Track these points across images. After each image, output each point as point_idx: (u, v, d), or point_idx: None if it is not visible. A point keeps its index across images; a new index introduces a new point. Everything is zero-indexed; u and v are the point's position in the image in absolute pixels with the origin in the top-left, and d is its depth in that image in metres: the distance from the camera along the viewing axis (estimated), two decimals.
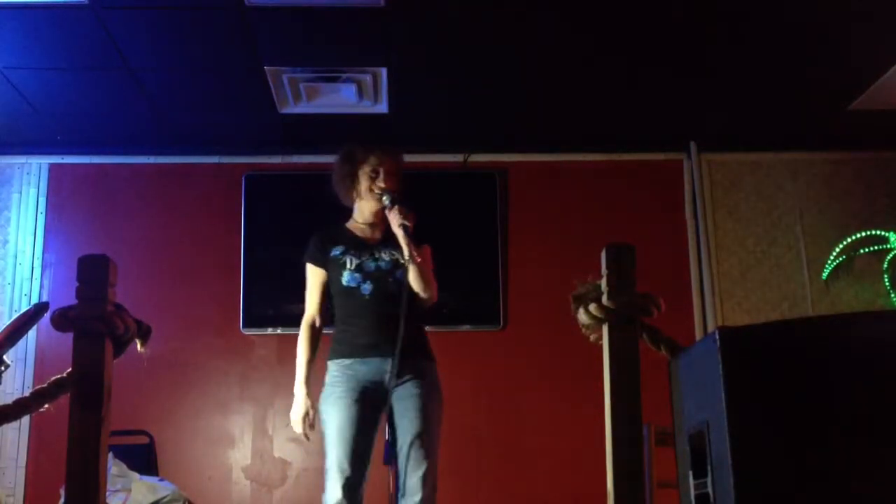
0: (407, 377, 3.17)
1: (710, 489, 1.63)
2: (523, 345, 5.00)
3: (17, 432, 4.79)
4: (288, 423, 4.86)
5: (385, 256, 3.27)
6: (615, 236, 2.09)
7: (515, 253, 5.12)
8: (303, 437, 3.28)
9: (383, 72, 4.39)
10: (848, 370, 1.57)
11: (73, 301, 1.93)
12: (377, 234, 3.35)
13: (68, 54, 4.14)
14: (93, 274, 1.93)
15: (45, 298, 4.92)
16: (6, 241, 5.06)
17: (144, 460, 4.60)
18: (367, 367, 3.16)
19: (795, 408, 1.55)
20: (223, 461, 4.88)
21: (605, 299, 1.93)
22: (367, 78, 4.45)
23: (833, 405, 1.56)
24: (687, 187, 5.23)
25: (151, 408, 4.84)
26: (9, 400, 2.11)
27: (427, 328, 3.38)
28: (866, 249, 5.07)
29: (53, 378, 2.02)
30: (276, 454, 4.90)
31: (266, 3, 3.74)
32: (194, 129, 4.99)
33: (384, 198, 3.27)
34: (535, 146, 5.23)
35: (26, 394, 2.07)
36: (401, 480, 3.13)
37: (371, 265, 3.26)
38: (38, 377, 4.78)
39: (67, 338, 1.93)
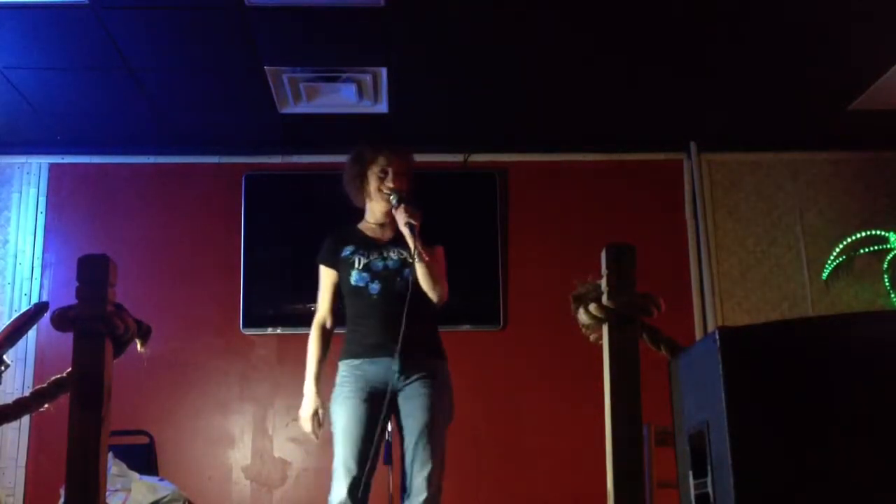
0: (415, 377, 3.17)
1: (710, 489, 1.63)
2: (523, 345, 5.00)
3: (17, 432, 4.79)
4: (288, 423, 4.92)
5: (393, 255, 3.27)
6: (615, 236, 2.08)
7: (515, 253, 5.12)
8: (311, 436, 3.26)
9: (383, 72, 4.39)
10: (848, 370, 1.57)
11: (73, 301, 1.93)
12: (388, 234, 3.35)
13: (68, 54, 4.14)
14: (93, 274, 1.93)
15: (45, 298, 4.92)
16: (6, 241, 5.06)
17: (144, 460, 4.60)
18: (375, 367, 3.17)
19: (795, 408, 1.55)
20: (223, 461, 4.88)
21: (605, 299, 1.93)
22: (367, 78, 4.45)
23: (833, 405, 1.56)
24: (687, 187, 5.23)
25: (151, 408, 4.84)
26: (9, 400, 2.11)
27: None
28: (866, 249, 5.07)
29: (53, 378, 2.02)
30: (276, 454, 4.90)
31: (266, 3, 3.74)
32: (194, 129, 5.00)
33: (391, 197, 3.28)
34: (535, 146, 5.23)
35: (26, 394, 2.07)
36: (406, 480, 3.14)
37: (379, 264, 3.27)
38: (38, 377, 4.78)
39: (67, 338, 1.93)
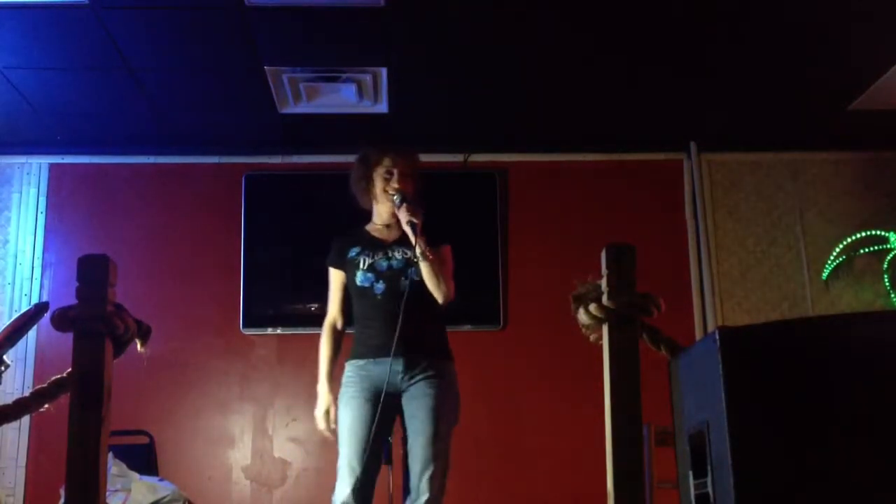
0: (420, 377, 3.17)
1: (710, 489, 1.63)
2: (523, 345, 5.00)
3: (17, 432, 4.79)
4: (288, 423, 4.93)
5: (398, 255, 3.28)
6: (615, 236, 2.08)
7: (515, 253, 5.12)
8: (326, 433, 3.26)
9: (383, 72, 4.39)
10: (848, 370, 1.57)
11: (73, 301, 1.93)
12: (393, 235, 3.36)
13: (68, 54, 4.14)
14: (93, 274, 1.93)
15: (45, 298, 4.92)
16: (6, 241, 5.06)
17: (144, 460, 4.60)
18: (380, 368, 3.17)
19: (795, 408, 1.55)
20: (223, 461, 4.89)
21: (605, 299, 1.93)
22: (367, 78, 4.45)
23: (833, 405, 1.55)
24: (687, 187, 5.23)
25: (151, 408, 4.84)
26: (9, 400, 2.11)
27: None
28: (866, 249, 5.07)
29: (53, 378, 2.02)
30: (276, 454, 4.90)
31: (266, 3, 3.74)
32: (194, 129, 5.00)
33: (395, 197, 3.29)
34: (535, 146, 5.23)
35: (26, 394, 2.07)
36: (410, 481, 3.14)
37: (383, 264, 3.27)
38: (38, 377, 4.78)
39: (67, 338, 1.93)
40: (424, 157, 5.01)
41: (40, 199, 5.12)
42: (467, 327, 4.93)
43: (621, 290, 1.92)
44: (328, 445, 4.75)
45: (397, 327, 3.11)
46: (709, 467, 1.64)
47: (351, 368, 3.24)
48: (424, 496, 3.07)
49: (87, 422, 1.87)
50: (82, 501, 1.84)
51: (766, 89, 4.58)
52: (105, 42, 4.01)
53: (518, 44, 4.12)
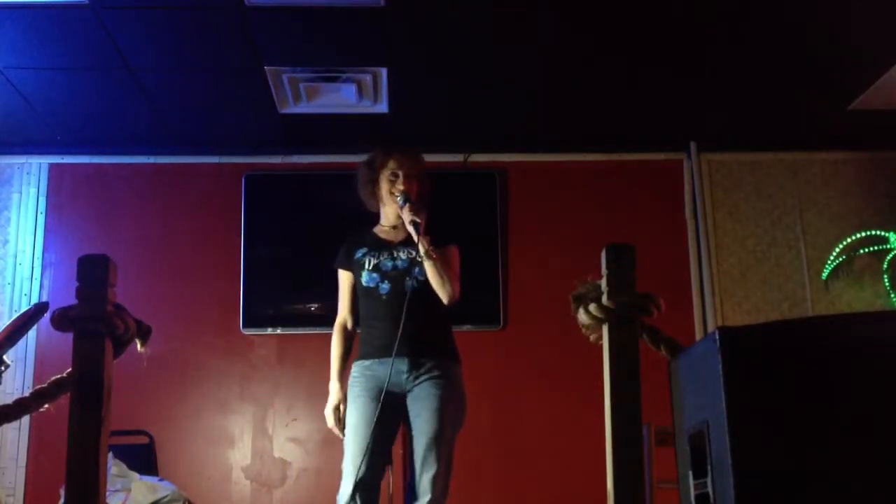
0: (424, 377, 3.17)
1: (710, 489, 1.63)
2: (523, 345, 5.00)
3: (17, 432, 4.79)
4: (288, 423, 4.92)
5: (403, 256, 3.29)
6: (615, 236, 2.09)
7: (515, 253, 5.12)
8: (336, 430, 3.26)
9: (383, 72, 4.39)
10: (848, 370, 1.57)
11: (73, 301, 1.93)
12: (400, 236, 3.37)
13: (68, 54, 4.14)
14: (93, 274, 1.93)
15: (45, 298, 4.92)
16: (6, 241, 5.06)
17: (144, 460, 4.60)
18: (385, 368, 3.17)
19: (795, 408, 1.55)
20: (223, 461, 4.89)
21: (605, 299, 1.93)
22: (367, 78, 4.45)
23: (833, 405, 1.56)
24: (687, 187, 5.23)
25: (151, 408, 4.84)
26: (9, 400, 2.11)
27: None
28: (866, 249, 5.06)
29: (53, 378, 2.02)
30: (276, 454, 4.90)
31: (266, 3, 3.74)
32: (194, 129, 5.00)
33: (398, 198, 3.30)
34: (535, 146, 5.23)
35: (26, 394, 2.07)
36: (413, 482, 3.14)
37: (388, 264, 3.28)
38: (38, 377, 4.78)
39: (67, 338, 1.93)
40: (424, 157, 5.05)
41: (40, 199, 5.12)
42: (467, 327, 4.92)
43: (621, 290, 1.92)
44: (328, 445, 4.77)
45: (407, 327, 3.12)
46: (709, 467, 1.64)
47: (357, 369, 3.25)
48: (427, 497, 3.07)
49: (87, 422, 1.87)
50: (82, 501, 1.85)
51: (766, 89, 4.59)
52: (105, 42, 4.01)
53: (518, 44, 4.12)
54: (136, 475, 4.25)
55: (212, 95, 4.61)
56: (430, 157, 5.06)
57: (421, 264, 3.21)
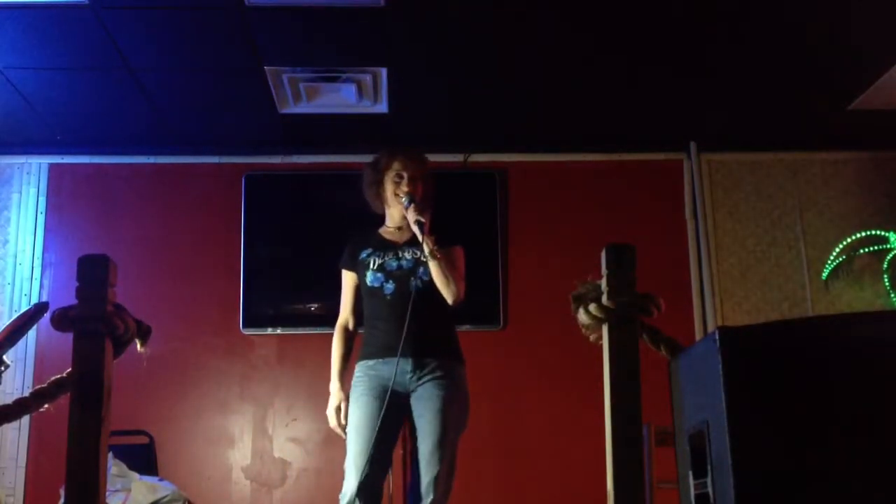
0: (428, 378, 3.17)
1: (710, 489, 1.63)
2: (523, 345, 5.00)
3: (17, 432, 4.79)
4: (288, 423, 4.92)
5: (408, 256, 3.29)
6: (615, 236, 2.09)
7: (515, 253, 5.12)
8: (338, 431, 3.26)
9: (383, 72, 4.39)
10: (848, 370, 1.57)
11: (73, 301, 1.93)
12: (405, 237, 3.37)
13: (68, 54, 4.14)
14: (93, 274, 1.93)
15: (45, 298, 4.92)
16: (6, 241, 5.06)
17: (144, 460, 4.60)
18: (388, 367, 3.17)
19: (795, 408, 1.55)
20: (223, 461, 4.89)
21: (605, 299, 1.93)
22: (367, 78, 4.45)
23: (833, 405, 1.56)
24: (687, 187, 5.23)
25: (151, 408, 4.84)
26: (9, 400, 2.11)
27: None
28: (866, 249, 5.06)
29: (53, 378, 2.02)
30: (276, 454, 4.90)
31: (266, 3, 3.74)
32: (194, 129, 5.00)
33: (403, 199, 3.31)
34: (535, 146, 5.23)
35: (26, 394, 2.07)
36: (416, 482, 3.14)
37: (393, 264, 3.28)
38: (38, 377, 4.78)
39: (67, 338, 1.93)
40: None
41: (40, 199, 5.12)
42: (467, 327, 4.91)
43: (621, 290, 1.92)
44: (328, 445, 4.77)
45: (411, 326, 3.12)
46: (709, 467, 1.64)
47: (360, 368, 3.25)
48: (429, 498, 3.07)
49: (87, 422, 1.87)
50: (82, 501, 1.85)
51: (766, 89, 4.59)
52: (105, 42, 4.01)
53: (518, 44, 4.12)
54: (136, 475, 4.25)
55: (212, 95, 4.61)
56: (430, 157, 5.08)
57: (426, 264, 3.22)
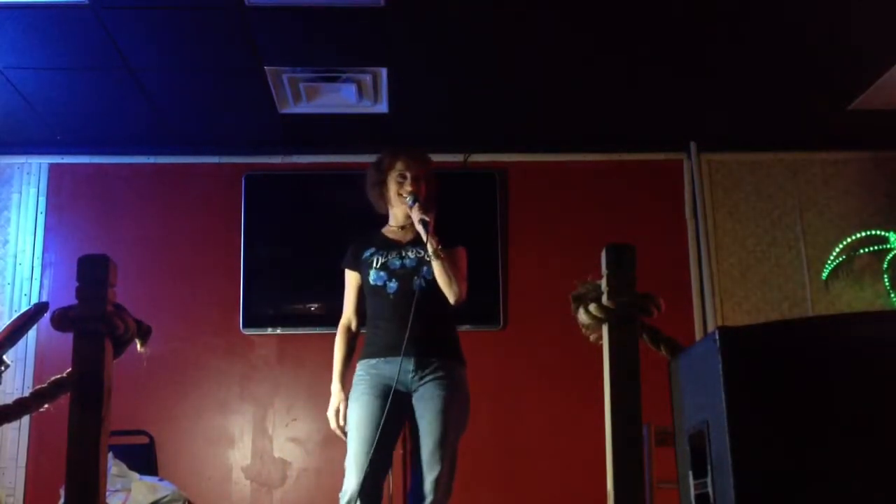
0: (429, 378, 3.17)
1: (710, 489, 1.63)
2: (523, 345, 5.00)
3: (17, 432, 4.79)
4: (288, 423, 4.92)
5: (411, 255, 3.30)
6: (615, 236, 2.08)
7: (515, 253, 5.12)
8: (338, 432, 3.27)
9: (383, 72, 4.39)
10: (848, 370, 1.57)
11: (73, 301, 1.93)
12: (408, 236, 3.38)
13: (68, 54, 4.14)
14: (93, 274, 1.93)
15: (45, 298, 4.92)
16: (6, 241, 5.06)
17: (144, 460, 4.60)
18: (390, 367, 3.17)
19: (795, 408, 1.55)
20: (223, 461, 4.89)
21: (605, 299, 1.93)
22: (367, 78, 4.45)
23: (833, 405, 1.56)
24: (687, 187, 5.23)
25: (151, 408, 4.84)
26: (9, 400, 2.11)
27: None
28: (866, 249, 5.06)
29: (53, 378, 2.01)
30: (276, 454, 4.90)
31: (266, 3, 3.74)
32: (194, 129, 5.00)
33: (407, 198, 3.31)
34: (535, 146, 5.23)
35: (26, 394, 2.07)
36: (416, 483, 3.14)
37: (396, 263, 3.29)
38: (38, 377, 4.78)
39: (67, 338, 1.93)
40: None
41: (40, 199, 5.12)
42: (467, 327, 4.91)
43: (621, 290, 1.92)
44: (328, 445, 4.77)
45: (414, 325, 3.12)
46: (709, 467, 1.64)
47: (362, 367, 3.25)
48: (430, 498, 3.07)
49: (87, 422, 1.87)
50: (82, 501, 1.85)
51: (766, 89, 4.58)
52: (105, 42, 4.01)
53: (518, 44, 4.12)
54: (136, 475, 4.25)
55: (212, 95, 4.61)
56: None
57: (429, 264, 3.22)
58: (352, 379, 3.28)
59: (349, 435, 3.17)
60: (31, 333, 4.75)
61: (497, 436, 4.85)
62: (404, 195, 3.34)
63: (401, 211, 3.39)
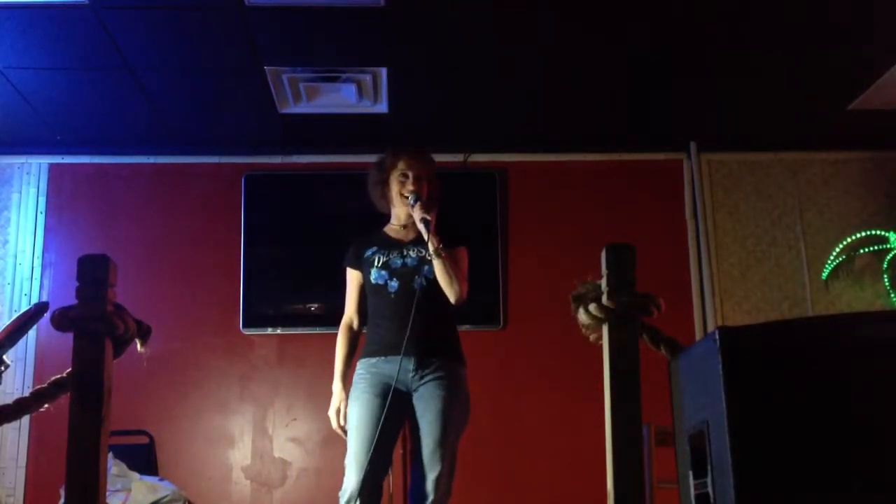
0: (430, 377, 3.17)
1: (710, 489, 1.63)
2: (523, 345, 5.00)
3: (17, 432, 4.79)
4: (288, 423, 4.92)
5: (412, 254, 3.30)
6: (615, 236, 2.08)
7: (515, 253, 5.12)
8: (339, 431, 3.27)
9: (383, 72, 4.39)
10: (848, 370, 1.57)
11: (73, 301, 1.93)
12: (410, 235, 3.39)
13: (68, 54, 4.14)
14: (93, 274, 1.93)
15: (45, 298, 4.92)
16: (6, 241, 5.06)
17: (144, 460, 4.60)
18: (391, 366, 3.17)
19: (795, 408, 1.55)
20: (223, 461, 4.88)
21: (605, 299, 1.93)
22: (367, 78, 4.45)
23: (833, 405, 1.56)
24: (687, 187, 5.23)
25: (151, 408, 4.84)
26: (9, 400, 2.11)
27: None
28: (866, 249, 5.06)
29: (53, 378, 2.01)
30: (276, 454, 4.90)
31: (266, 3, 3.74)
32: (194, 129, 4.99)
33: (409, 198, 3.31)
34: (535, 146, 5.23)
35: (26, 394, 2.07)
36: (416, 482, 3.14)
37: (398, 262, 3.29)
38: (38, 377, 4.78)
39: (67, 338, 1.93)
40: None
41: (40, 199, 5.12)
42: (467, 327, 4.91)
43: (621, 290, 1.92)
44: (328, 445, 4.77)
45: (415, 325, 3.12)
46: (709, 467, 1.64)
47: (362, 366, 3.25)
48: (430, 498, 3.07)
49: (87, 422, 1.87)
50: (82, 501, 1.85)
51: (765, 89, 4.58)
52: (105, 42, 4.01)
53: (518, 44, 4.12)
54: (136, 475, 4.25)
55: (212, 95, 4.61)
56: None
57: (430, 263, 3.23)
58: (353, 377, 3.29)
59: (349, 434, 3.17)
60: (31, 333, 4.75)
61: (497, 436, 4.85)
62: (406, 194, 3.34)
63: (402, 210, 3.40)
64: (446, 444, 3.12)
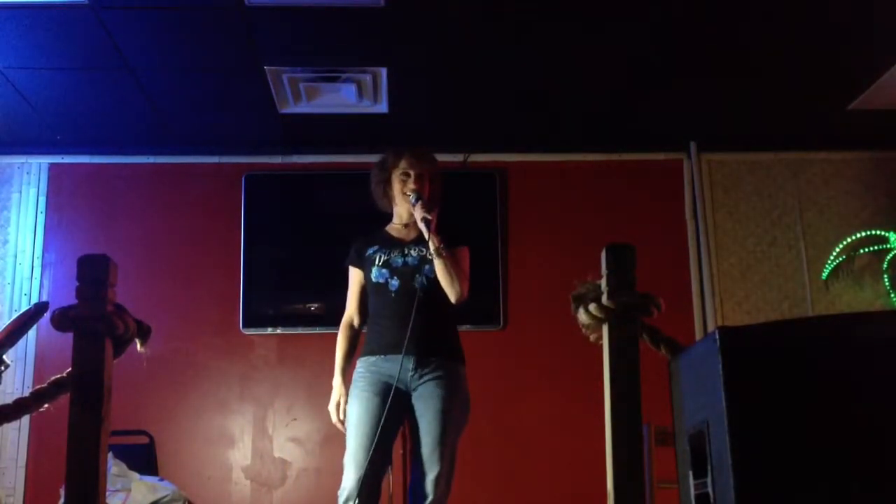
0: (429, 377, 3.18)
1: (710, 489, 1.63)
2: (523, 345, 5.00)
3: (17, 432, 4.79)
4: (288, 423, 4.93)
5: (413, 253, 3.30)
6: (615, 236, 2.08)
7: (515, 253, 5.12)
8: (339, 426, 3.27)
9: (383, 72, 4.39)
10: (848, 370, 1.57)
11: (73, 301, 1.93)
12: (412, 234, 3.39)
13: (68, 54, 4.14)
14: (93, 274, 1.93)
15: (45, 298, 4.92)
16: (6, 241, 5.06)
17: (144, 460, 4.60)
18: (390, 364, 3.18)
19: (795, 408, 1.55)
20: (223, 461, 4.89)
21: (605, 299, 1.92)
22: (367, 78, 4.45)
23: (833, 405, 1.56)
24: (687, 187, 5.23)
25: (151, 408, 4.84)
26: (9, 400, 2.11)
27: None
28: (866, 249, 5.07)
29: (53, 378, 2.01)
30: (276, 454, 4.90)
31: (266, 3, 3.74)
32: (194, 129, 5.00)
33: (410, 197, 3.32)
34: (535, 146, 5.23)
35: (26, 394, 2.07)
36: (415, 482, 3.14)
37: (399, 261, 3.29)
38: (38, 377, 4.78)
39: (67, 338, 1.93)
40: None
41: (40, 199, 5.12)
42: (467, 327, 4.91)
43: (621, 290, 1.92)
44: (328, 445, 4.77)
45: (416, 324, 3.13)
46: (709, 467, 1.64)
47: (362, 365, 3.26)
48: (429, 497, 3.07)
49: (87, 422, 1.87)
50: (82, 501, 1.84)
51: (766, 89, 4.58)
52: (105, 42, 4.01)
53: (518, 44, 4.12)
54: (136, 475, 4.25)
55: (212, 95, 4.61)
56: None
57: (431, 262, 3.23)
58: (352, 375, 3.29)
59: (348, 432, 3.17)
60: (31, 333, 4.75)
61: (497, 436, 4.85)
62: (407, 193, 3.34)
63: (404, 209, 3.40)
64: (446, 443, 3.12)
